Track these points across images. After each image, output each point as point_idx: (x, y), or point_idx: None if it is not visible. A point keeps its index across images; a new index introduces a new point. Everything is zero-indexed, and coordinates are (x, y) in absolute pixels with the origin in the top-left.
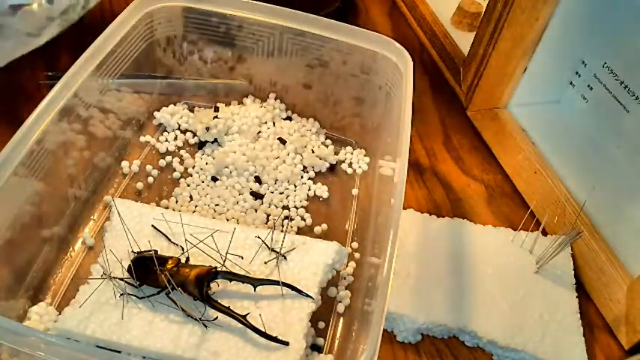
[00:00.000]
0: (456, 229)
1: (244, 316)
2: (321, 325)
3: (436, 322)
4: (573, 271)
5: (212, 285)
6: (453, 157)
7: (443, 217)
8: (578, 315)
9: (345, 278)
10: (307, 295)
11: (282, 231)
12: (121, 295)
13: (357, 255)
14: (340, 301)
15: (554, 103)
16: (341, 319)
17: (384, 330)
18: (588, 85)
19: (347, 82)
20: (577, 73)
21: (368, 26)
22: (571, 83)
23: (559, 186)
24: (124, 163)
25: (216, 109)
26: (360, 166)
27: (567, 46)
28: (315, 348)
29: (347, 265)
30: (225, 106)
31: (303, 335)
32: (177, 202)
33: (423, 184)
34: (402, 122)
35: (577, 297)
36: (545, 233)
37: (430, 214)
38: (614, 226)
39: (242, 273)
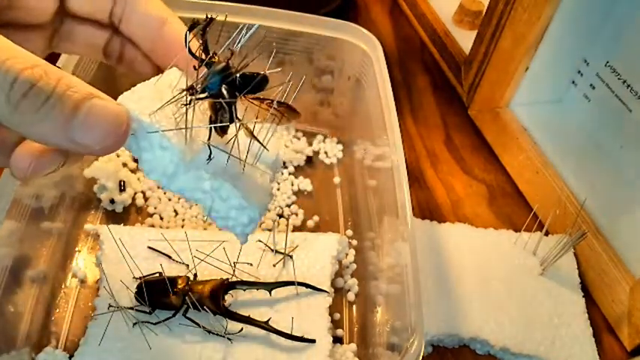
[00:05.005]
0: (459, 235)
1: (267, 322)
2: (337, 316)
3: (447, 333)
4: (577, 272)
5: (226, 297)
6: (454, 156)
7: (444, 219)
8: (586, 316)
9: (348, 267)
10: (322, 290)
11: (280, 231)
12: (135, 324)
13: (354, 242)
14: (349, 290)
15: (556, 102)
16: (354, 307)
17: (392, 345)
18: (591, 85)
19: (314, 73)
20: (579, 72)
21: (368, 25)
22: (573, 82)
23: (561, 186)
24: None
25: None
26: (335, 155)
27: (569, 45)
28: (336, 340)
29: (347, 254)
30: None
31: (327, 329)
32: (162, 218)
33: (424, 183)
34: (386, 109)
35: (583, 297)
36: (546, 234)
37: (431, 220)
38: (616, 227)
39: (253, 280)
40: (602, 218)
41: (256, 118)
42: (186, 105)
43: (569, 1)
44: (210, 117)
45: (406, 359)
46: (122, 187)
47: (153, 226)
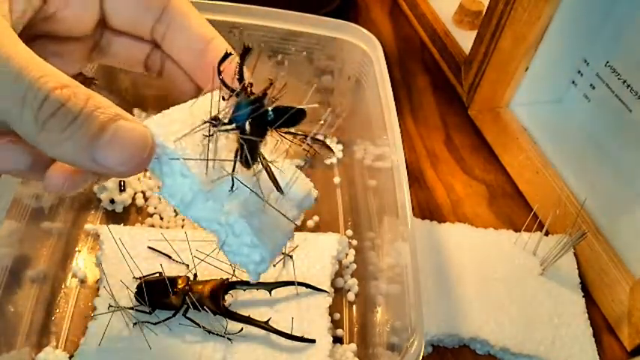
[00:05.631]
0: (459, 235)
1: (267, 322)
2: (337, 316)
3: (447, 333)
4: (577, 272)
5: (226, 297)
6: (454, 157)
7: (444, 219)
8: (586, 316)
9: (348, 267)
10: (322, 290)
11: None
12: (135, 324)
13: (354, 242)
14: (349, 290)
15: (556, 102)
16: (354, 307)
17: (392, 345)
18: (591, 85)
19: (314, 73)
20: (579, 72)
21: (368, 25)
22: (573, 82)
23: (561, 186)
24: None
25: None
26: (335, 155)
27: (569, 45)
28: (336, 340)
29: (347, 254)
30: None
31: (328, 330)
32: (162, 219)
33: (424, 183)
34: (386, 109)
35: (583, 297)
36: (546, 234)
37: (431, 220)
38: (616, 227)
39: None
40: (602, 218)
41: (286, 153)
42: (208, 136)
43: (569, 1)
44: (237, 149)
45: (406, 359)
46: (122, 187)
47: (153, 226)
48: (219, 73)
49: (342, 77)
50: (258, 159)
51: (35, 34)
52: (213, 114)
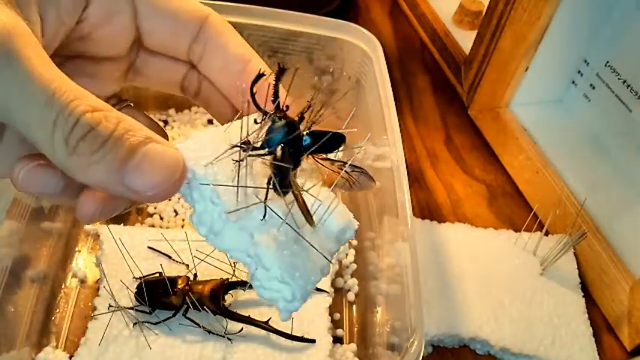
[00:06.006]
0: (459, 235)
1: (267, 322)
2: (337, 316)
3: (447, 334)
4: (577, 272)
5: (226, 297)
6: (454, 157)
7: (444, 219)
8: (586, 316)
9: (348, 267)
10: (322, 290)
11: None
12: (135, 324)
13: (354, 242)
14: (349, 290)
15: (556, 102)
16: (354, 307)
17: (393, 345)
18: (591, 85)
19: (314, 73)
20: (579, 72)
21: (368, 25)
22: (573, 82)
23: (561, 186)
24: None
25: None
26: (335, 155)
27: (569, 44)
28: (336, 340)
29: (347, 254)
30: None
31: (327, 329)
32: (162, 218)
33: (424, 183)
34: (386, 110)
35: (583, 297)
36: (546, 234)
37: (431, 220)
38: (616, 227)
39: None
40: (602, 218)
41: (321, 182)
42: (238, 161)
43: (569, 1)
44: (270, 175)
45: (406, 359)
46: None
47: (153, 226)
48: (253, 94)
49: (342, 77)
50: (292, 187)
51: (69, 54)
52: (245, 138)
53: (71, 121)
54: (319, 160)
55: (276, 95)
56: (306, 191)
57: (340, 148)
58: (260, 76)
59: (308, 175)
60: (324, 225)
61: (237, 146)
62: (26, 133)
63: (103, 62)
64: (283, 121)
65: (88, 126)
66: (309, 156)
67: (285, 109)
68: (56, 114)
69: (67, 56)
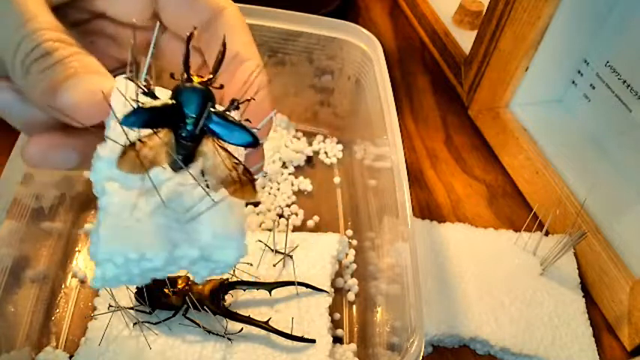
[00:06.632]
0: (459, 235)
1: (267, 322)
2: (337, 316)
3: (447, 333)
4: (577, 272)
5: (226, 297)
6: (454, 157)
7: (444, 219)
8: (586, 316)
9: (348, 267)
10: (322, 290)
11: (280, 231)
12: (135, 324)
13: (354, 242)
14: (349, 290)
15: (556, 102)
16: (354, 307)
17: (393, 345)
18: (591, 85)
19: (314, 73)
20: (579, 72)
21: (368, 25)
22: (573, 82)
23: (561, 186)
24: None
25: None
26: (335, 155)
27: (569, 44)
28: (336, 340)
29: (347, 254)
30: None
31: (327, 329)
32: None
33: (424, 183)
34: (386, 110)
35: (583, 297)
36: (546, 234)
37: (431, 220)
38: (616, 227)
39: (253, 280)
40: (602, 218)
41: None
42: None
43: (569, 1)
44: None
45: (406, 359)
46: None
47: None
48: (187, 57)
49: (342, 77)
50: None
51: (94, 10)
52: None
53: (31, 45)
54: (219, 146)
55: (186, 60)
56: (187, 169)
57: (245, 151)
58: (190, 36)
59: (208, 160)
60: (197, 221)
61: (145, 94)
62: (1, 55)
63: (123, 27)
64: (195, 87)
65: (44, 50)
66: (212, 139)
67: (208, 81)
68: (22, 37)
69: (93, 12)
